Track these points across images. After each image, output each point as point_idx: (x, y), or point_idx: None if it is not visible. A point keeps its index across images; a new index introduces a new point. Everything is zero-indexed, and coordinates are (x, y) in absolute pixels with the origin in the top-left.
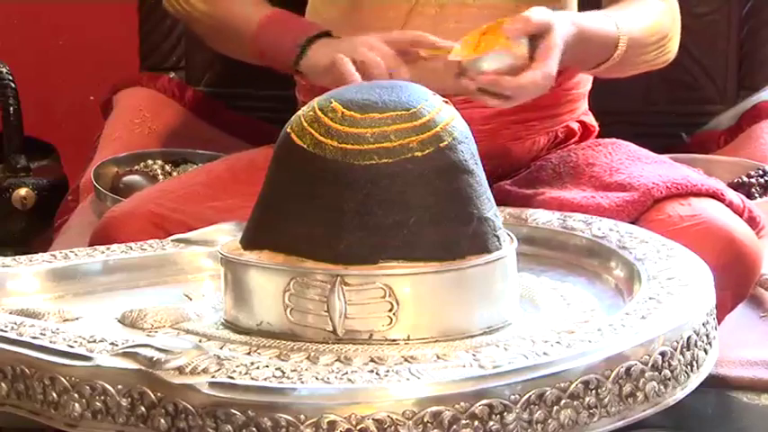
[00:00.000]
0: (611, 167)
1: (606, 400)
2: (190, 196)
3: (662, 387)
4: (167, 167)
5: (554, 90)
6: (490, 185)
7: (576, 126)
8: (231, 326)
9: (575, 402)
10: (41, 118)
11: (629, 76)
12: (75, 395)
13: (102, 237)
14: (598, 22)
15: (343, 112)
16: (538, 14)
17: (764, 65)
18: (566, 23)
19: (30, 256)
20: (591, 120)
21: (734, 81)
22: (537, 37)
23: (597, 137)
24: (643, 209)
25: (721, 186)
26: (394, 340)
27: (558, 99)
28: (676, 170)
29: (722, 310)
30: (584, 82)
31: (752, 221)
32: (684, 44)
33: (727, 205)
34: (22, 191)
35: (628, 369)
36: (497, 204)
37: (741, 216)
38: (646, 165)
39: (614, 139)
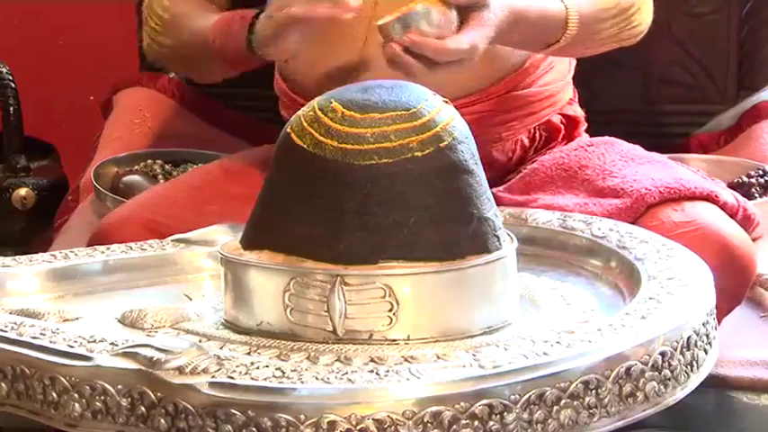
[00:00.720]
0: (603, 170)
1: (606, 400)
2: (185, 202)
3: (662, 387)
4: (167, 167)
5: (530, 87)
6: None
7: (558, 119)
8: (231, 326)
9: (575, 402)
10: (41, 118)
11: (628, 76)
12: (75, 395)
13: (98, 243)
14: (539, 1)
15: (343, 112)
16: None
17: (764, 65)
18: (498, 5)
19: (30, 256)
20: (576, 110)
21: (734, 81)
22: (468, 10)
23: (593, 135)
24: (636, 215)
25: (715, 187)
26: (394, 340)
27: (535, 96)
28: (670, 172)
29: (718, 314)
30: (562, 72)
31: (747, 220)
32: (684, 44)
33: (721, 207)
34: (22, 191)
35: (628, 369)
36: None
37: (736, 216)
38: (639, 166)
39: (606, 138)
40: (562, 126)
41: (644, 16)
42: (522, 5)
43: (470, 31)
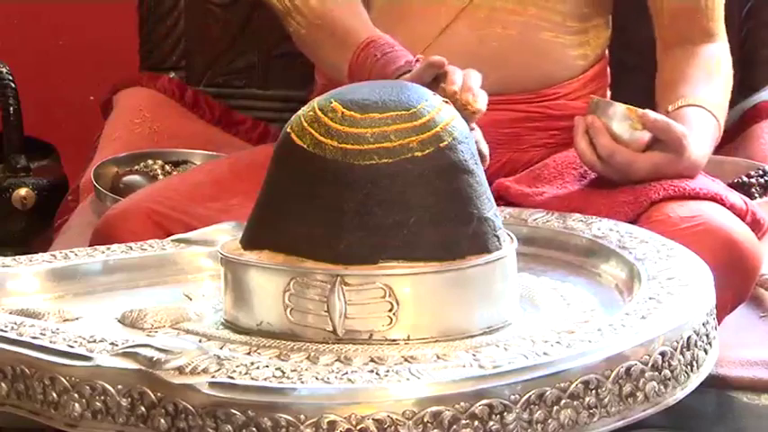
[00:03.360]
0: None
1: (606, 400)
2: (190, 195)
3: (662, 387)
4: (167, 167)
5: (576, 101)
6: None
7: None
8: (231, 326)
9: (575, 402)
10: (41, 118)
11: (631, 78)
12: (75, 395)
13: (102, 234)
14: (712, 133)
15: (343, 112)
16: (678, 128)
17: (764, 65)
18: (694, 161)
19: (30, 256)
20: None
21: (734, 81)
22: (662, 144)
23: None
24: (640, 209)
25: (722, 191)
26: (394, 340)
27: (583, 110)
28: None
29: (722, 311)
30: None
31: (756, 224)
32: None
33: (728, 209)
34: (22, 191)
35: (628, 369)
36: (495, 198)
37: (744, 219)
38: None
39: None
40: None
41: None
42: (706, 152)
43: (648, 157)
